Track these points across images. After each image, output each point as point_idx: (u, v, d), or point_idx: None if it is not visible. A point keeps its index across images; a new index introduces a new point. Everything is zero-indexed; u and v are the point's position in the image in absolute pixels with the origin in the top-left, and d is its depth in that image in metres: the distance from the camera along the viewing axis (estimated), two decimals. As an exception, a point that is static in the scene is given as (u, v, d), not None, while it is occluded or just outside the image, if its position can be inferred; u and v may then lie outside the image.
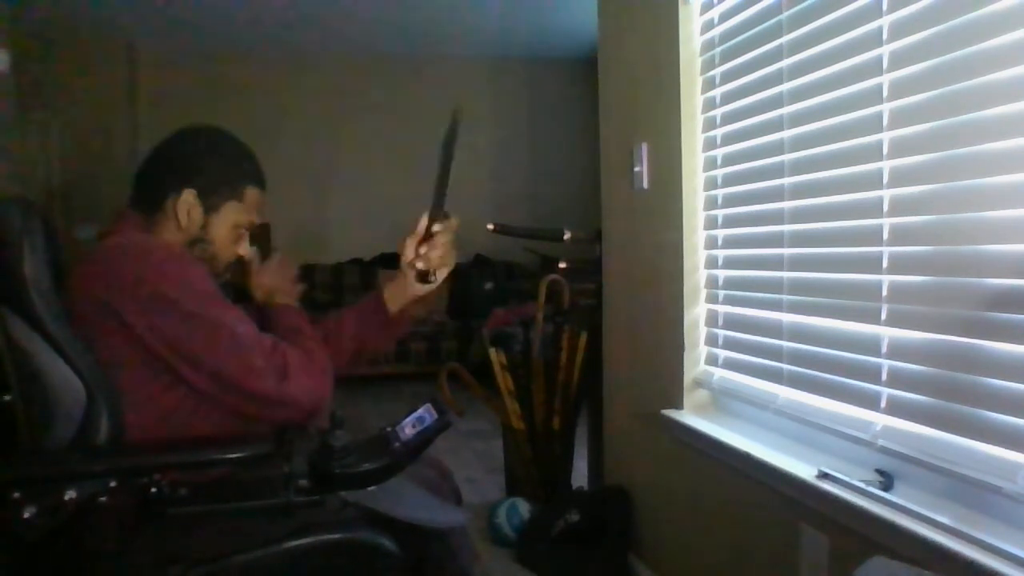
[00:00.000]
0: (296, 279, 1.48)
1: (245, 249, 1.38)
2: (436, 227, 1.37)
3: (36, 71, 5.13)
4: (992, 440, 1.06)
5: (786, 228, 1.51)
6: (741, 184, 1.68)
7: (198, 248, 1.31)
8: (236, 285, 1.45)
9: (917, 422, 1.20)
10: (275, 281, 1.44)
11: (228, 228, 1.33)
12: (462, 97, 6.53)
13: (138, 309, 1.14)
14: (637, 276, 2.10)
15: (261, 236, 1.40)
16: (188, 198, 1.29)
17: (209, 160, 1.32)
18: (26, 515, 1.00)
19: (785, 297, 1.51)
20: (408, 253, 1.39)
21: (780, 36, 1.49)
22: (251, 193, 1.35)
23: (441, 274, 1.42)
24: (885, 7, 1.22)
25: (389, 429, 1.14)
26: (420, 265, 1.39)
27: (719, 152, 1.75)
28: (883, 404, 1.26)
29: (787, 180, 1.49)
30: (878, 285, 1.26)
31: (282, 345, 1.22)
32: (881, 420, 1.27)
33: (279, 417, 1.20)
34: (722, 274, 1.77)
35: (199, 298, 1.17)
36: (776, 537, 1.45)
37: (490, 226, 2.70)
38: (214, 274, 1.33)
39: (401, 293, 1.43)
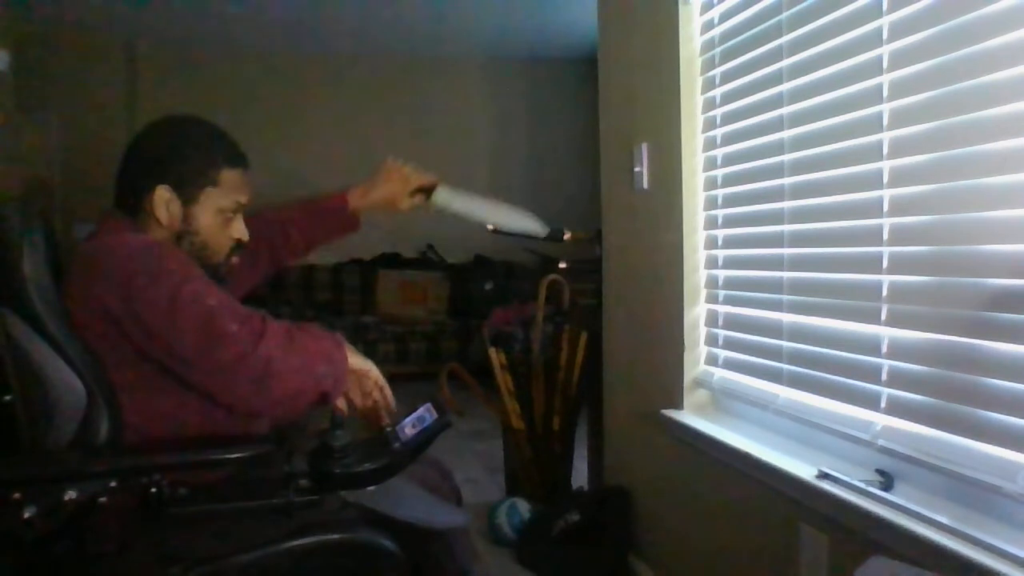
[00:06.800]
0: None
1: (240, 231, 1.34)
2: (431, 201, 1.70)
3: (36, 71, 5.14)
4: (992, 440, 1.06)
5: (786, 228, 1.51)
6: (741, 184, 1.68)
7: (186, 242, 1.29)
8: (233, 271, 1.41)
9: (917, 422, 1.20)
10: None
11: (212, 215, 1.30)
12: (462, 96, 6.49)
13: (117, 296, 1.13)
14: (637, 276, 2.10)
15: None
16: (163, 194, 1.27)
17: (176, 152, 1.29)
18: (26, 515, 1.00)
19: (785, 297, 1.51)
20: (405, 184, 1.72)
21: (780, 36, 1.49)
22: (228, 175, 1.31)
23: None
24: (885, 7, 1.22)
25: (389, 429, 1.14)
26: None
27: (719, 152, 1.75)
28: (883, 404, 1.26)
29: (787, 180, 1.49)
30: (878, 285, 1.26)
31: (261, 314, 1.17)
32: (881, 420, 1.27)
33: (256, 406, 1.18)
34: (722, 274, 1.77)
35: (173, 277, 1.15)
36: (776, 537, 1.45)
37: (490, 226, 2.70)
38: (213, 264, 1.31)
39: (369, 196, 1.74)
